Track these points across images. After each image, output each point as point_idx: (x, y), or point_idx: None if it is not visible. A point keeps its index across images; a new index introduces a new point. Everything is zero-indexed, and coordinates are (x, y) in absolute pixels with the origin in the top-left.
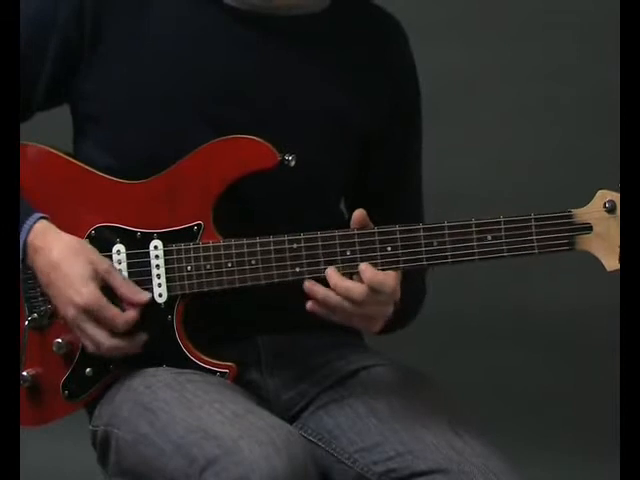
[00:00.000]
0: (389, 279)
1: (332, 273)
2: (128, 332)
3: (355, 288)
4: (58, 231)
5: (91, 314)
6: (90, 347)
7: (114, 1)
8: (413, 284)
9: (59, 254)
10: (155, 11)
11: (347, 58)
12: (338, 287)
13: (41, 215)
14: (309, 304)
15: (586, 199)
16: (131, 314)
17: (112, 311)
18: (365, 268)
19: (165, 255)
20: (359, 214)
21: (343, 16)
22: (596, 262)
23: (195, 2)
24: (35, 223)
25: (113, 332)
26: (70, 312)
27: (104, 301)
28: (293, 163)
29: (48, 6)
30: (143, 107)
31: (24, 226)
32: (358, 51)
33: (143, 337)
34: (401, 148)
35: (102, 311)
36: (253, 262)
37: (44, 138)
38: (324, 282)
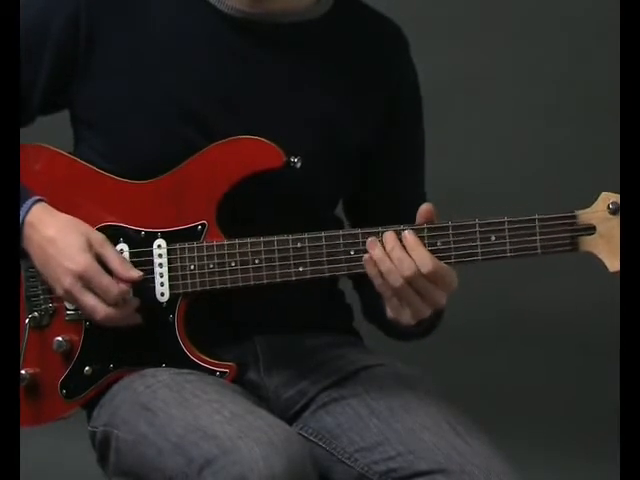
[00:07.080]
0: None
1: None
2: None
3: (426, 258)
4: (55, 210)
5: (86, 282)
6: (87, 315)
7: (109, 9)
8: None
9: (55, 229)
10: (150, 19)
11: (345, 66)
12: (415, 251)
13: (39, 198)
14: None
15: (588, 202)
16: (124, 286)
17: (107, 280)
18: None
19: (168, 254)
20: (426, 208)
21: (342, 23)
22: (595, 264)
23: (191, 10)
24: (33, 205)
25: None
26: (67, 281)
27: (100, 269)
28: (299, 165)
29: (43, 14)
30: (138, 114)
31: (22, 207)
32: (357, 59)
33: (135, 304)
34: (402, 156)
35: (97, 278)
36: (257, 261)
37: (45, 141)
38: (325, 281)
